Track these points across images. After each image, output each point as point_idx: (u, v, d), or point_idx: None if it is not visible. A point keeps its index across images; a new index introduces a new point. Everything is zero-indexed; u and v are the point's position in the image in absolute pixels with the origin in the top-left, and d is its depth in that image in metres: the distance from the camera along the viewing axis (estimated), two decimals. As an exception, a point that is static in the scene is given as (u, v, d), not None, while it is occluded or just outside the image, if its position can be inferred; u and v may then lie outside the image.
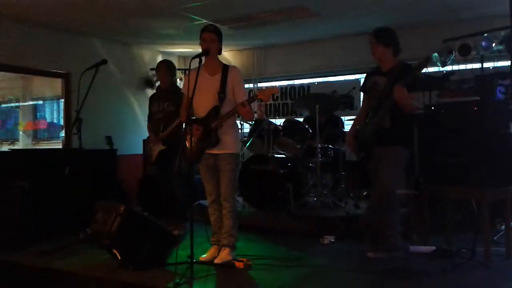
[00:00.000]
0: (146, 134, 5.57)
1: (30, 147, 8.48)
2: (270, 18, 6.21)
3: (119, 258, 3.69)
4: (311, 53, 7.56)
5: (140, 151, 7.24)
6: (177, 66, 7.79)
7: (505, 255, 3.80)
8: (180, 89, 5.19)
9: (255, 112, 6.03)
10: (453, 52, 5.72)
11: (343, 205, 5.45)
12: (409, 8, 5.77)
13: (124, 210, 3.62)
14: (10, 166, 5.08)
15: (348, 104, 6.90)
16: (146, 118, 5.46)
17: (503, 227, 4.17)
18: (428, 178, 4.17)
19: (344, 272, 3.57)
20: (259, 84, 8.07)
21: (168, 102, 5.02)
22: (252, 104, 3.71)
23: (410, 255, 3.83)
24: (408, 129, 3.88)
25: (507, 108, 4.13)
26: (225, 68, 3.82)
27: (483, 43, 5.45)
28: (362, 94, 4.24)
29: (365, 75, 4.20)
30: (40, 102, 8.82)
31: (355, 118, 4.29)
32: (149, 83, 7.99)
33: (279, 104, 7.98)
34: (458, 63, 5.93)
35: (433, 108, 4.31)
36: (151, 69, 7.63)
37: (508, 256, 3.79)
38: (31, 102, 8.85)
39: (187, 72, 3.81)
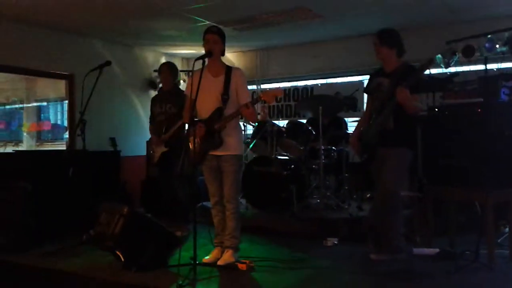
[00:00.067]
0: (149, 135, 5.58)
1: (34, 148, 8.50)
2: (272, 20, 6.21)
3: (122, 259, 3.70)
4: (314, 55, 7.55)
5: (144, 153, 7.26)
6: (180, 68, 7.84)
7: (509, 258, 3.79)
8: (182, 91, 5.20)
9: (258, 114, 6.04)
10: (457, 53, 5.70)
11: (346, 207, 5.43)
12: (411, 9, 5.76)
13: (127, 212, 3.63)
14: (14, 167, 5.10)
15: (351, 106, 6.90)
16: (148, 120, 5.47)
17: (506, 229, 4.17)
18: (432, 180, 4.16)
19: (347, 274, 3.57)
20: (262, 86, 8.07)
21: (170, 104, 5.03)
22: (255, 106, 3.71)
23: (413, 257, 3.83)
24: (411, 130, 3.88)
25: (511, 109, 4.12)
26: (228, 69, 3.82)
27: (487, 45, 5.43)
28: (365, 95, 4.22)
29: (368, 76, 4.19)
30: (44, 103, 8.84)
31: (359, 120, 4.28)
32: (153, 85, 8.00)
33: (282, 105, 7.98)
34: (462, 64, 5.90)
35: (436, 109, 4.30)
36: (155, 70, 7.65)
37: (512, 259, 3.78)
38: (35, 104, 8.88)
39: (190, 73, 3.82)
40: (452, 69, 5.85)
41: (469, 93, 4.70)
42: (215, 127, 3.71)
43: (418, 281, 3.35)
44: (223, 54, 3.85)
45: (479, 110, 3.86)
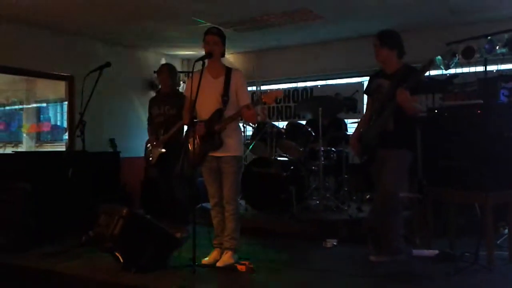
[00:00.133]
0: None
1: (33, 149, 8.51)
2: (273, 21, 6.21)
3: (122, 260, 3.69)
4: (314, 56, 7.55)
5: (143, 154, 7.24)
6: (180, 69, 7.85)
7: (508, 259, 3.79)
8: (181, 92, 5.19)
9: (258, 115, 6.03)
10: (457, 55, 5.70)
11: (346, 208, 5.43)
12: (412, 10, 5.76)
13: (126, 213, 3.63)
14: (13, 168, 5.10)
15: (351, 107, 6.89)
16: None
17: (506, 231, 4.16)
18: (431, 181, 4.16)
19: (346, 275, 3.56)
20: (262, 87, 8.06)
21: (169, 106, 5.03)
22: (255, 107, 3.71)
23: (413, 259, 3.83)
24: (411, 132, 3.88)
25: (510, 111, 4.13)
26: (228, 71, 3.82)
27: (487, 46, 5.44)
28: (366, 96, 4.22)
29: (368, 77, 4.18)
30: (44, 104, 8.85)
31: (359, 121, 4.28)
32: (153, 86, 8.00)
33: (282, 106, 7.98)
34: (462, 66, 5.91)
35: (436, 111, 4.31)
36: (155, 71, 7.63)
37: (511, 260, 3.77)
38: (34, 105, 8.89)
39: (190, 74, 3.82)
40: (452, 71, 5.86)
41: (468, 94, 4.72)
42: (215, 129, 3.71)
43: (418, 282, 3.35)
44: (223, 56, 3.85)
45: (478, 111, 3.86)
